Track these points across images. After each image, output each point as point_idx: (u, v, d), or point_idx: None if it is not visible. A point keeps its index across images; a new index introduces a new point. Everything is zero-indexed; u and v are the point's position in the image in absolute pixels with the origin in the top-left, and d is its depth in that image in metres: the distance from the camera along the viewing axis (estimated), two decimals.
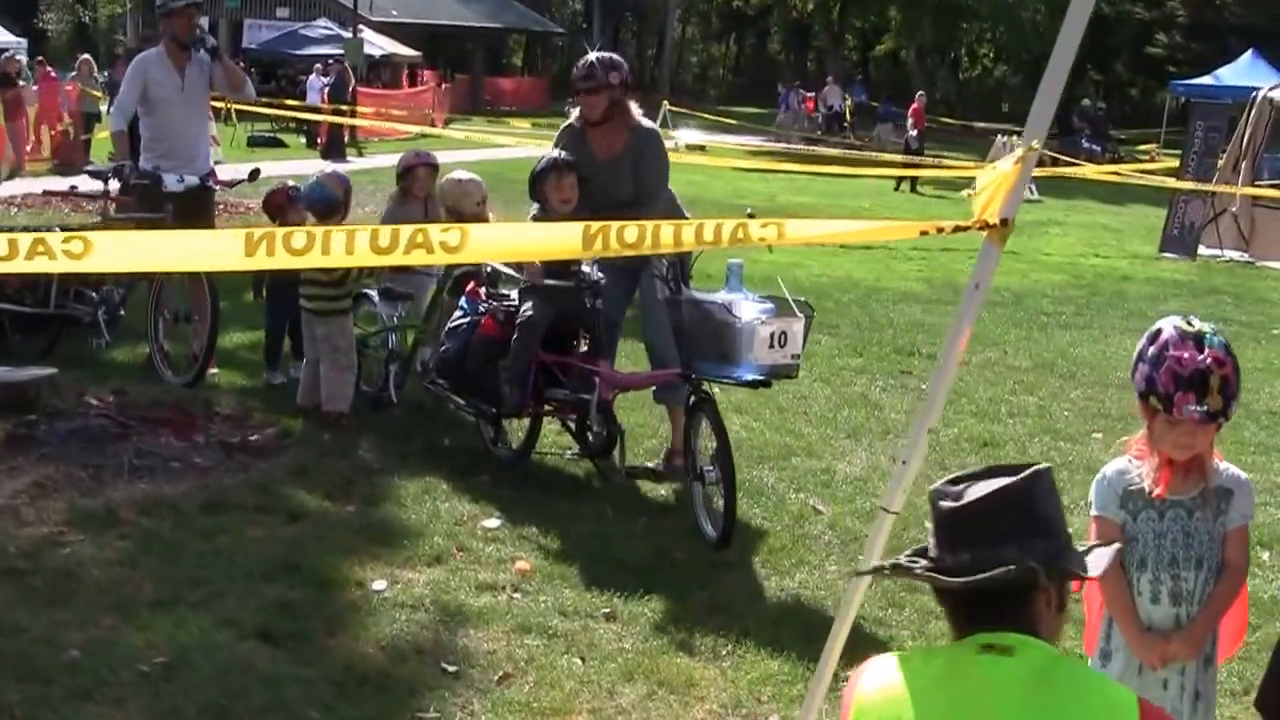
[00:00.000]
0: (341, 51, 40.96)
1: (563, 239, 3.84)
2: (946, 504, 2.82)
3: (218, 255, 3.57)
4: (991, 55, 66.48)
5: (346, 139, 33.68)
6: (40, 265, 3.22)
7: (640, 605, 6.37)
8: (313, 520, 7.26)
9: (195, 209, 10.23)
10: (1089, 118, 40.19)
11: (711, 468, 7.33)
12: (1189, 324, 3.97)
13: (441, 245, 3.38)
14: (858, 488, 8.34)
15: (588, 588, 6.53)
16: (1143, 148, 41.40)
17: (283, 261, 3.32)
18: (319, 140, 33.69)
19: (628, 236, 3.60)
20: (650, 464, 8.35)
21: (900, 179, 29.16)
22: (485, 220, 9.79)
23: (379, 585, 6.43)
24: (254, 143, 33.96)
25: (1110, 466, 4.33)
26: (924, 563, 2.86)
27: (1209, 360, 3.87)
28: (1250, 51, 41.20)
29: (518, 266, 8.15)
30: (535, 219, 8.25)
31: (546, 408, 8.32)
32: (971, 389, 11.00)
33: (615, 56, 8.83)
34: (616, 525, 7.49)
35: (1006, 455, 9.13)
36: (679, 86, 76.13)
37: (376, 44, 48.27)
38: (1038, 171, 27.45)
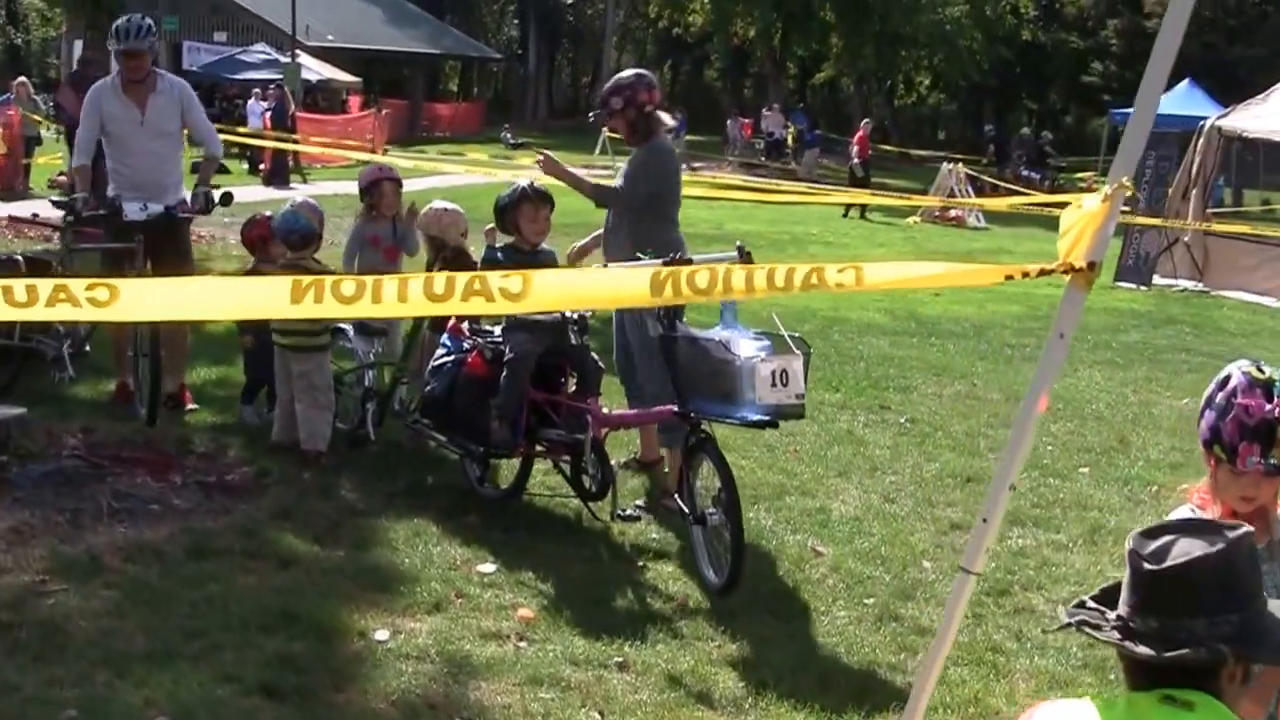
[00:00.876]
0: (280, 76, 40.60)
1: (631, 286, 3.66)
2: (1146, 566, 2.72)
3: (262, 303, 3.38)
4: (928, 83, 66.70)
5: (290, 165, 33.27)
6: (62, 313, 3.04)
7: (651, 654, 6.18)
8: (304, 566, 7.02)
9: (168, 238, 9.77)
10: (1028, 146, 40.24)
11: (714, 510, 7.14)
12: (1259, 370, 3.78)
13: (502, 293, 3.21)
14: (855, 528, 8.19)
15: (595, 636, 6.33)
16: (1080, 175, 41.56)
17: (331, 310, 3.17)
18: (262, 166, 33.25)
19: (698, 282, 3.44)
20: (638, 508, 8.14)
21: (849, 206, 29.13)
22: (465, 251, 9.59)
23: (381, 635, 6.21)
24: (196, 168, 33.49)
25: (1175, 514, 4.18)
26: (1112, 618, 2.80)
27: (1278, 410, 3.68)
28: (1187, 81, 41.44)
29: None
30: (502, 250, 8.15)
31: (538, 447, 8.12)
32: (947, 422, 10.90)
33: (621, 76, 8.87)
34: (613, 569, 7.31)
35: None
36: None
37: (314, 69, 47.89)
38: (987, 201, 27.66)
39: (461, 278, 3.22)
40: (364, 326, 9.41)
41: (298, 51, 46.07)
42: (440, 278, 3.20)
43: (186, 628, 6.11)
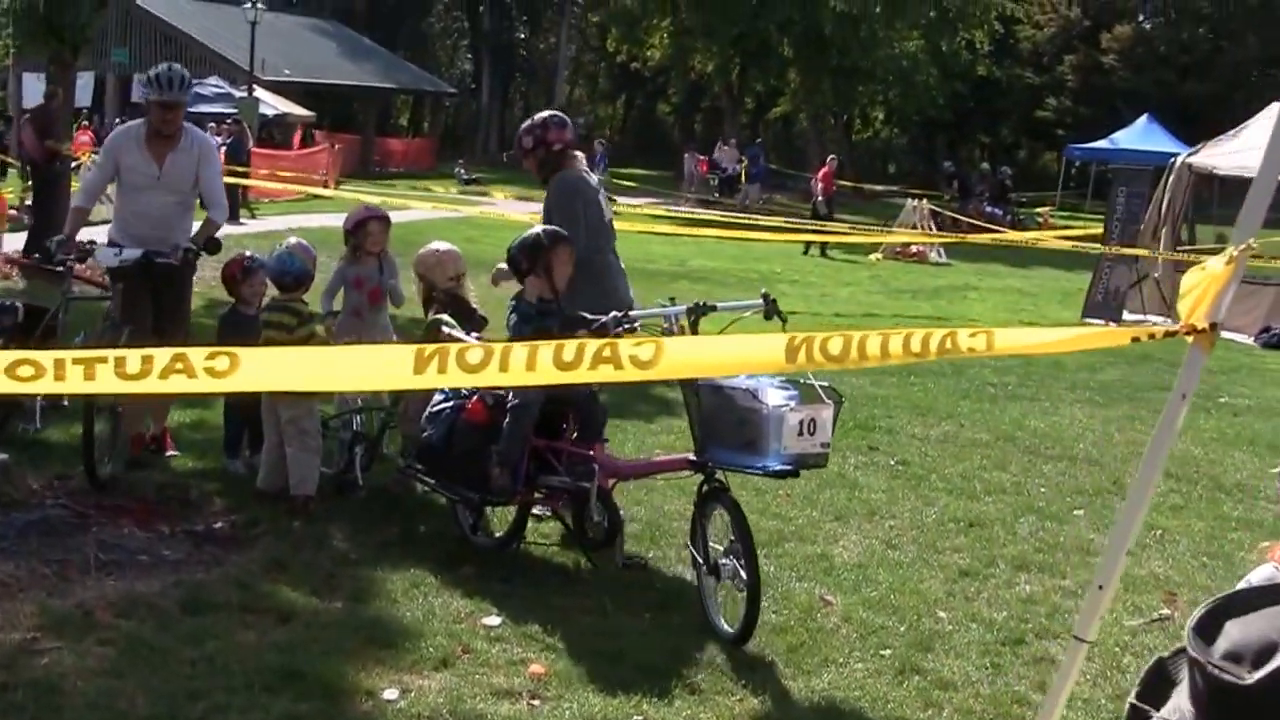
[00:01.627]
0: (235, 110, 40.27)
1: (765, 353, 3.53)
2: (1226, 679, 1.84)
3: (382, 373, 3.23)
4: (883, 117, 66.96)
5: (240, 200, 32.88)
6: (178, 385, 2.87)
7: (670, 711, 5.98)
8: (304, 620, 6.77)
9: (165, 283, 9.40)
10: (990, 182, 40.31)
11: (727, 560, 6.94)
12: None
13: (632, 361, 3.09)
14: (861, 575, 8.00)
15: (611, 692, 6.11)
16: (1038, 210, 41.74)
17: (455, 379, 3.08)
18: None
19: (831, 349, 3.33)
20: (640, 556, 7.96)
21: (809, 243, 29.04)
22: (459, 294, 9.39)
23: (390, 694, 5.97)
24: None
25: (1256, 574, 4.02)
26: None
27: None
28: (1145, 117, 41.86)
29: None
30: (538, 303, 7.90)
31: (536, 495, 7.91)
32: (940, 465, 10.76)
33: (534, 117, 9.28)
34: (622, 620, 7.08)
35: (995, 536, 8.91)
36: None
37: (269, 103, 47.59)
38: (950, 238, 27.64)
39: (591, 345, 3.08)
40: None
41: (254, 85, 45.75)
42: (571, 345, 3.05)
43: (188, 688, 5.85)
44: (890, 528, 9.04)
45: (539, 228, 8.08)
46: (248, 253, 9.85)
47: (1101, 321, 20.44)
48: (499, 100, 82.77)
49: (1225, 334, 14.42)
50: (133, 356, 2.84)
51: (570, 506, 7.83)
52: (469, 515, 8.15)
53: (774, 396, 6.89)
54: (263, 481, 8.84)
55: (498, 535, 8.16)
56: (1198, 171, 21.16)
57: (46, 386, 2.96)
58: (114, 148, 9.58)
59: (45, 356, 2.93)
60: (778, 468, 6.91)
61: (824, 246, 29.33)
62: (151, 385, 2.81)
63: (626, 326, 7.36)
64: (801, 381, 7.11)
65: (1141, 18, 65.39)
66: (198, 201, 9.73)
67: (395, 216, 29.81)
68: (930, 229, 30.49)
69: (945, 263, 29.17)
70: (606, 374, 3.20)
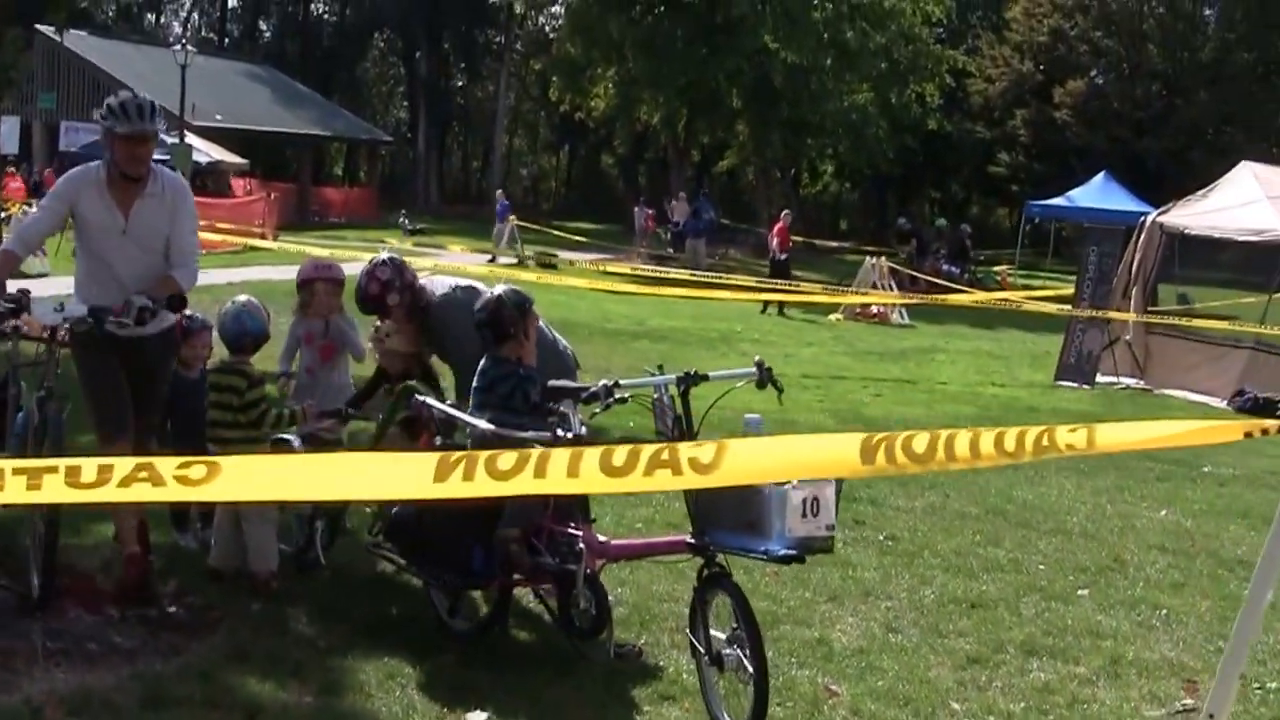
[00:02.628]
0: (168, 157, 39.58)
1: (838, 454, 3.08)
2: None
3: (394, 483, 2.76)
4: (832, 171, 66.97)
5: None
6: (140, 493, 2.39)
7: None
8: (272, 717, 6.20)
9: (135, 353, 7.79)
10: (948, 238, 39.95)
11: (730, 650, 6.40)
12: None
13: (691, 464, 2.70)
14: (864, 662, 7.50)
15: None
16: (995, 269, 41.55)
17: (485, 488, 2.72)
18: None
19: (916, 447, 2.93)
20: (633, 645, 7.42)
21: (766, 302, 28.59)
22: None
23: None
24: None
25: None
26: None
27: None
28: (1103, 174, 41.89)
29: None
30: (518, 367, 7.39)
31: (516, 577, 7.34)
32: (931, 540, 10.27)
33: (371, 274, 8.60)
34: (618, 714, 6.57)
35: (1000, 618, 8.43)
36: (508, 200, 75.52)
37: (201, 149, 46.88)
38: (921, 299, 27.35)
39: (646, 449, 2.62)
40: (312, 437, 8.62)
41: (185, 131, 45.03)
42: (621, 450, 2.58)
43: None
44: (888, 609, 8.55)
45: (500, 288, 7.59)
46: (186, 311, 8.79)
47: (1074, 384, 20.14)
48: (436, 149, 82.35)
49: (1195, 396, 14.20)
50: (87, 466, 2.36)
51: (555, 590, 7.26)
52: (445, 598, 7.58)
53: None
54: (215, 559, 8.22)
55: (478, 620, 7.60)
56: (1169, 231, 20.88)
57: None
58: (68, 192, 7.72)
59: None
60: (781, 552, 6.43)
61: (781, 305, 28.91)
62: (109, 494, 2.35)
63: (617, 397, 6.86)
64: None
65: (1094, 73, 65.66)
66: None
67: (351, 269, 29.46)
68: (890, 288, 30.17)
69: (908, 324, 28.83)
70: (663, 480, 2.85)
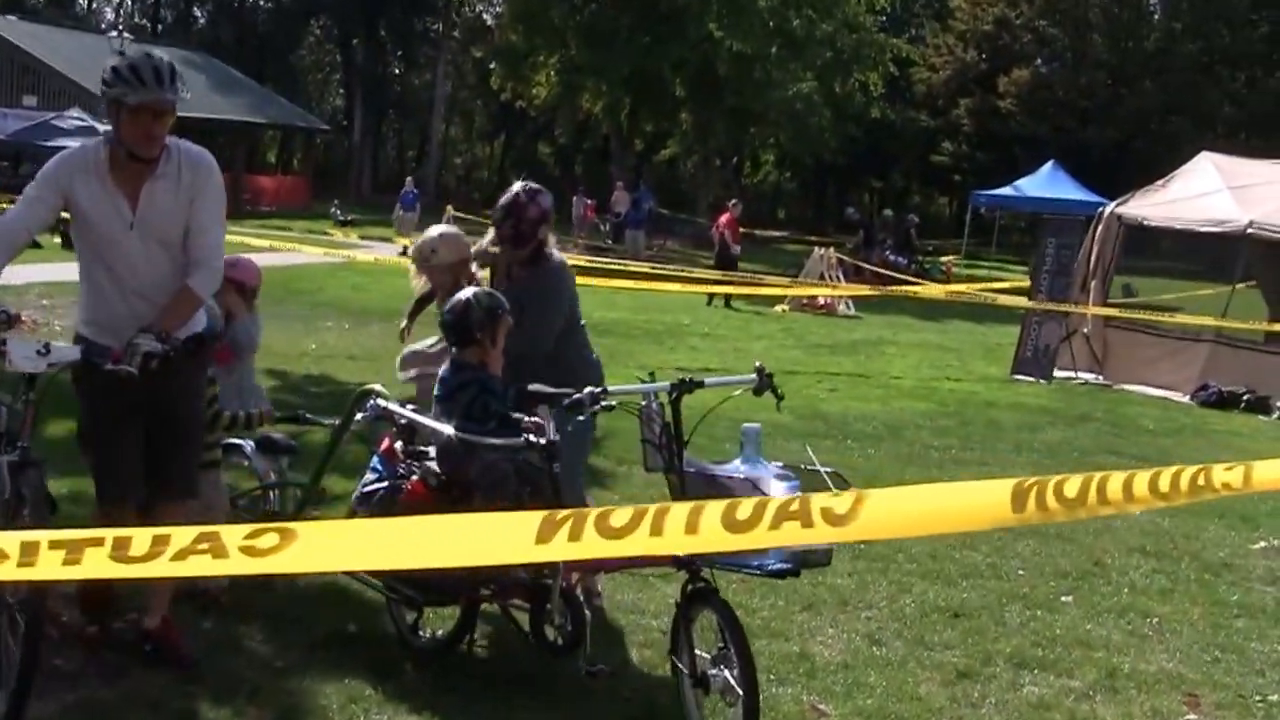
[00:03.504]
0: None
1: (987, 502, 2.83)
2: None
3: (496, 547, 2.41)
4: (774, 160, 66.69)
5: None
6: (199, 567, 2.32)
7: None
8: None
9: (156, 393, 6.32)
10: (891, 229, 39.46)
11: (717, 671, 5.99)
12: None
13: (825, 516, 2.42)
14: (850, 678, 7.12)
15: None
16: (943, 259, 41.28)
17: (595, 547, 2.43)
18: None
19: (1067, 492, 2.87)
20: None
21: (712, 294, 28.18)
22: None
23: None
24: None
25: None
26: None
27: None
28: (1050, 163, 41.73)
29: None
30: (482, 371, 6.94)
31: (484, 592, 6.90)
32: (904, 544, 9.84)
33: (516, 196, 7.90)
34: None
35: (985, 628, 8.11)
36: (441, 188, 74.86)
37: None
38: (866, 290, 27.01)
39: (773, 501, 2.36)
40: (268, 442, 8.14)
41: None
42: (747, 503, 2.25)
43: None
44: (869, 619, 8.19)
45: (471, 290, 7.12)
46: None
47: (1031, 378, 19.83)
48: (372, 137, 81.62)
49: (1158, 391, 13.90)
50: (140, 537, 1.96)
51: (528, 605, 6.82)
52: (408, 614, 7.14)
53: (775, 487, 6.02)
54: None
55: (440, 635, 7.17)
56: (1127, 222, 20.60)
57: (7, 573, 2.08)
58: (57, 176, 6.23)
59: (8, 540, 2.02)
60: (776, 567, 6.08)
61: (727, 298, 28.53)
62: (163, 570, 1.95)
63: (603, 405, 6.43)
64: (804, 467, 6.25)
65: (1039, 62, 65.64)
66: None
67: (275, 260, 28.80)
68: (838, 279, 29.86)
69: (854, 315, 28.49)
70: (791, 533, 2.57)
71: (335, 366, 15.69)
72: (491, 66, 62.96)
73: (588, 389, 6.46)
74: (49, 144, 43.22)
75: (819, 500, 2.40)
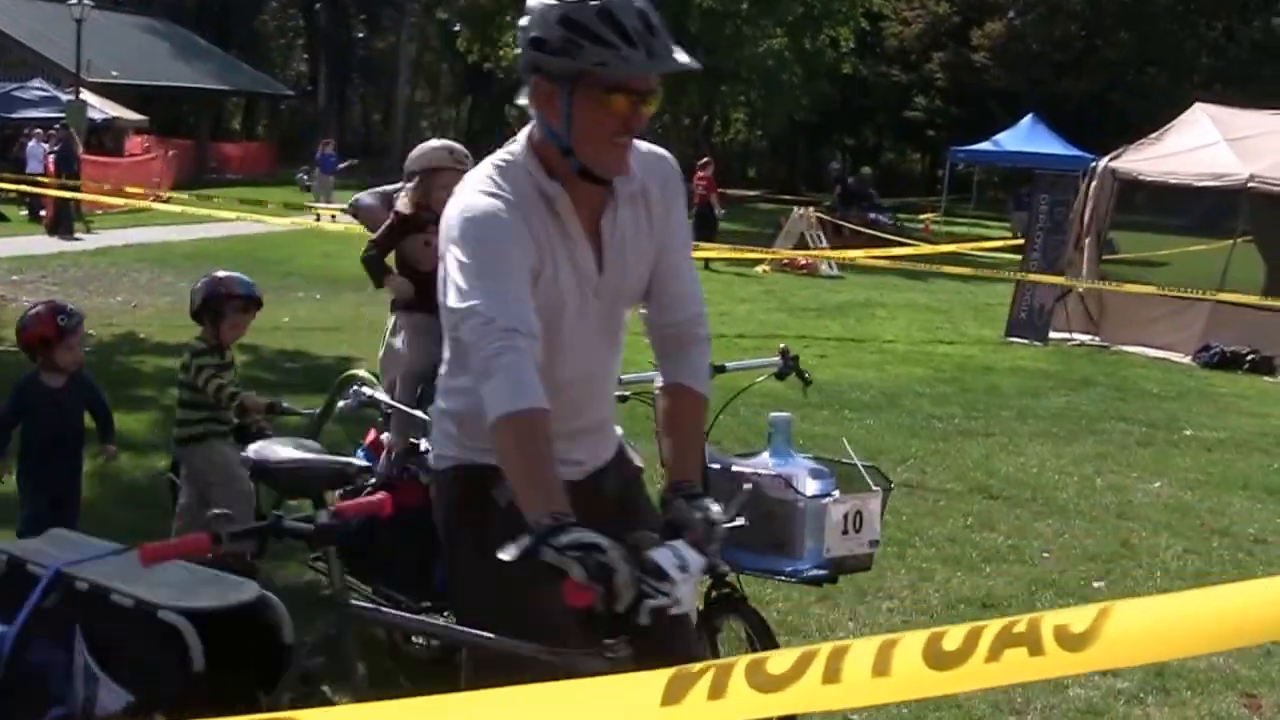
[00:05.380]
0: (62, 115, 37.96)
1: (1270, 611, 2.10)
2: None
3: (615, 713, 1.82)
4: (745, 119, 65.87)
5: (74, 214, 30.62)
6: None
7: None
8: None
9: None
10: (854, 189, 38.29)
11: None
12: None
13: (1058, 638, 1.79)
14: None
15: None
16: (922, 217, 40.64)
17: (748, 707, 1.81)
18: (43, 214, 30.59)
19: None
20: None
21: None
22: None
23: None
24: None
25: None
26: None
27: None
28: (1030, 117, 41.10)
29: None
30: None
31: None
32: (919, 525, 9.32)
33: None
34: None
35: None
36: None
37: (97, 107, 45.10)
38: (873, 254, 26.35)
39: (991, 626, 1.84)
40: (245, 431, 7.53)
41: (80, 88, 43.26)
42: (956, 631, 1.71)
43: None
44: (890, 612, 7.63)
45: None
46: (60, 301, 7.26)
47: (1026, 341, 19.23)
48: (337, 102, 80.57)
49: (1159, 353, 13.31)
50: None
51: None
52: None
53: (811, 485, 5.43)
54: None
55: (434, 643, 6.57)
56: (1121, 178, 19.99)
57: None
58: (520, 233, 3.47)
59: None
60: (812, 573, 5.48)
61: (706, 259, 27.88)
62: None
63: (616, 395, 5.79)
64: (840, 460, 5.67)
65: (1012, 14, 64.79)
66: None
67: (242, 229, 28.04)
68: (820, 239, 29.23)
69: (837, 275, 27.77)
70: (1016, 666, 1.82)
71: (310, 340, 15.08)
72: (457, 29, 62.09)
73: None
74: (12, 116, 42.45)
75: (1050, 620, 1.77)
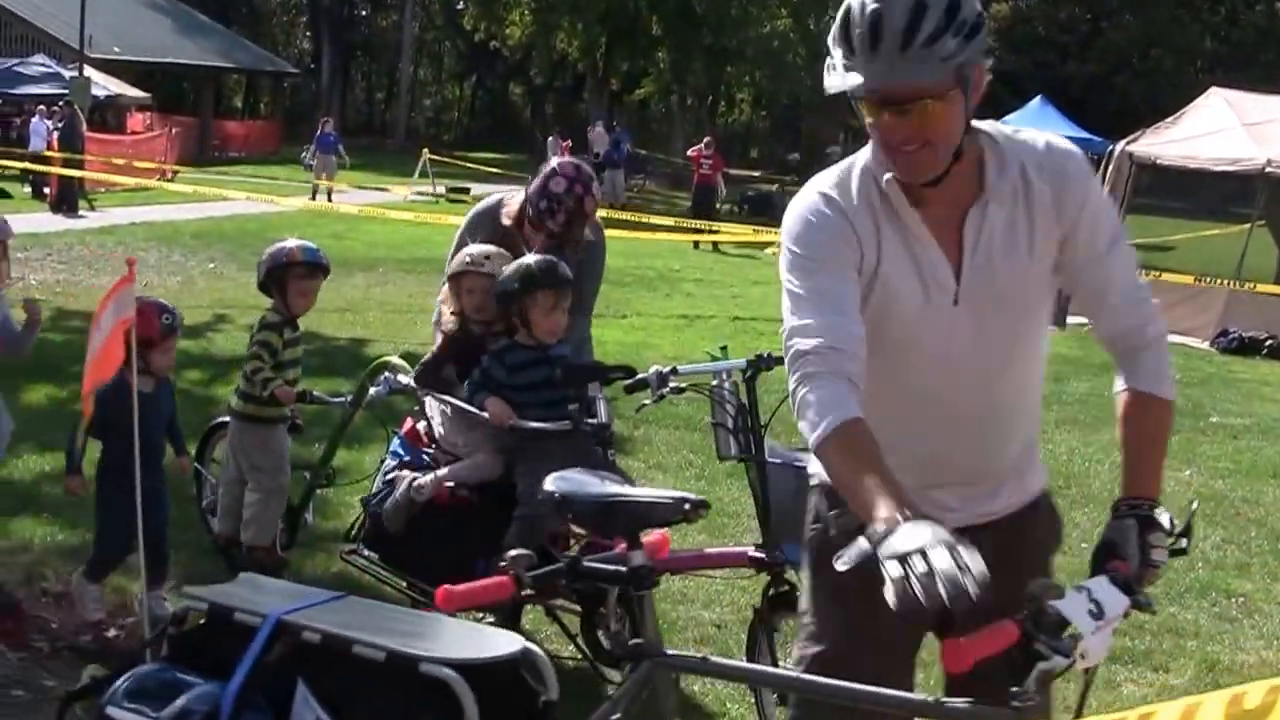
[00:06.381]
0: (66, 91, 37.71)
1: None
2: None
3: None
4: (750, 99, 65.63)
5: (79, 192, 30.36)
6: None
7: None
8: None
9: None
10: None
11: None
12: None
13: None
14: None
15: None
16: None
17: None
18: (47, 191, 30.37)
19: None
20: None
21: (698, 240, 27.29)
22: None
23: None
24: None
25: None
26: None
27: None
28: (1038, 99, 40.73)
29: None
30: (506, 352, 6.05)
31: (526, 593, 6.07)
32: None
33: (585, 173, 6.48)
34: None
35: None
36: (412, 131, 73.66)
37: (100, 83, 44.81)
38: None
39: None
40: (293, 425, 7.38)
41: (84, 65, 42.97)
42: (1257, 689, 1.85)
43: None
44: None
45: (532, 257, 6.16)
46: (161, 301, 6.67)
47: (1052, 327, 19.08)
48: (340, 80, 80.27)
49: (1177, 338, 13.05)
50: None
51: (577, 607, 6.06)
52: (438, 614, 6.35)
53: None
54: (220, 524, 7.33)
55: None
56: (1139, 161, 19.83)
57: None
58: (819, 228, 3.31)
59: None
60: None
61: (715, 241, 27.74)
62: None
63: (672, 386, 5.62)
64: None
65: None
66: None
67: (252, 208, 27.85)
68: None
69: None
70: None
71: (322, 322, 14.92)
72: (461, 6, 61.93)
73: (654, 367, 5.67)
74: (15, 91, 42.23)
75: None
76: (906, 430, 3.33)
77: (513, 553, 3.39)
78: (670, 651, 3.52)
